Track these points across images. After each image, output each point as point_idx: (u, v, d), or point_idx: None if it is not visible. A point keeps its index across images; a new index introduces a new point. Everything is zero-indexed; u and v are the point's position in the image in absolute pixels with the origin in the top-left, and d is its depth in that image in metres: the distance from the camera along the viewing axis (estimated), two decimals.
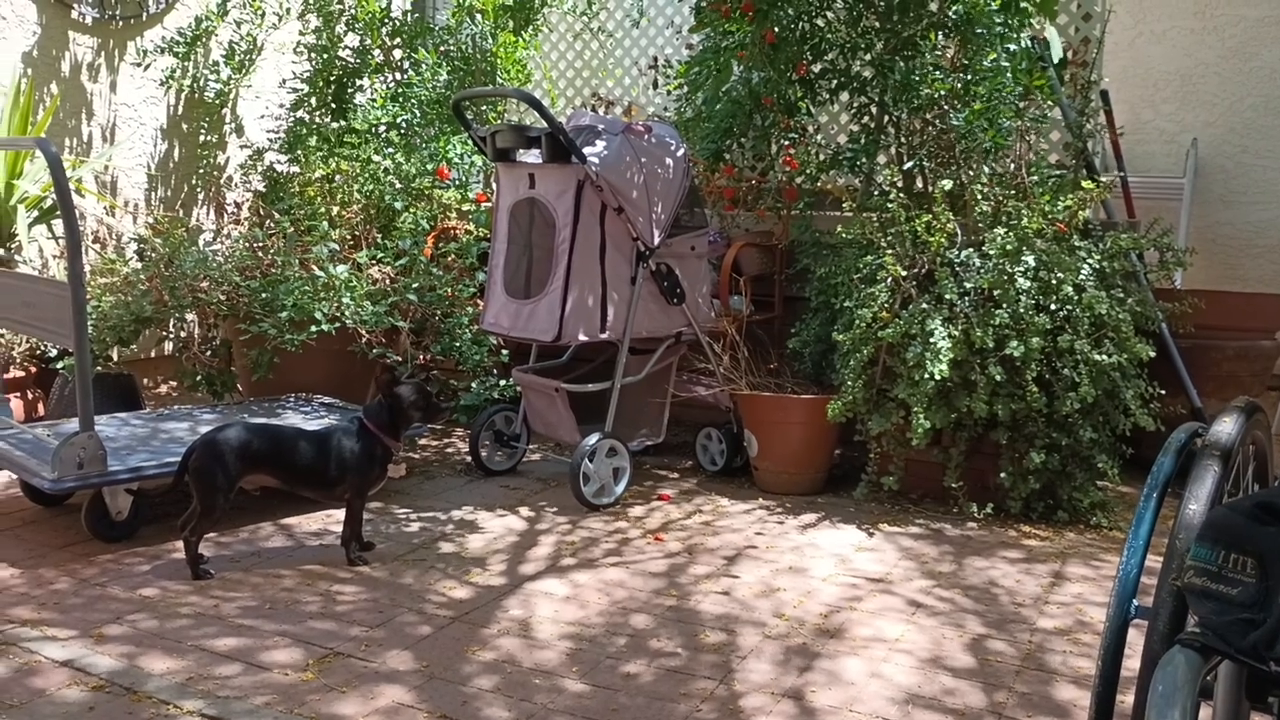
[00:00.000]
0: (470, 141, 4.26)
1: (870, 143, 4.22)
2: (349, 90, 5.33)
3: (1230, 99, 5.35)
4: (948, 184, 3.64)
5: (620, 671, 2.37)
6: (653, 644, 2.52)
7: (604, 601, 2.78)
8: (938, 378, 3.25)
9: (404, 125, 5.03)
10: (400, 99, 5.02)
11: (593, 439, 3.55)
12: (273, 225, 4.56)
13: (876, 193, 4.07)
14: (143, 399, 4.56)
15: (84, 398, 3.03)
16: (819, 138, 4.73)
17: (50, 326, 3.26)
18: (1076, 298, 3.34)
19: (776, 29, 4.18)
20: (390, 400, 3.06)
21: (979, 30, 3.98)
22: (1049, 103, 4.02)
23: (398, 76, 5.32)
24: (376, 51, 5.31)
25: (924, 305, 3.41)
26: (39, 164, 4.52)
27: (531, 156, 3.66)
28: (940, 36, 4.14)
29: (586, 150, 3.49)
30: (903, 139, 4.16)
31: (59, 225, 4.55)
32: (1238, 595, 1.09)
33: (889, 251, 3.54)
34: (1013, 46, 4.00)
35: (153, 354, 5.09)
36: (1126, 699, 1.51)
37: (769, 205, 4.31)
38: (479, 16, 5.25)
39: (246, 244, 4.44)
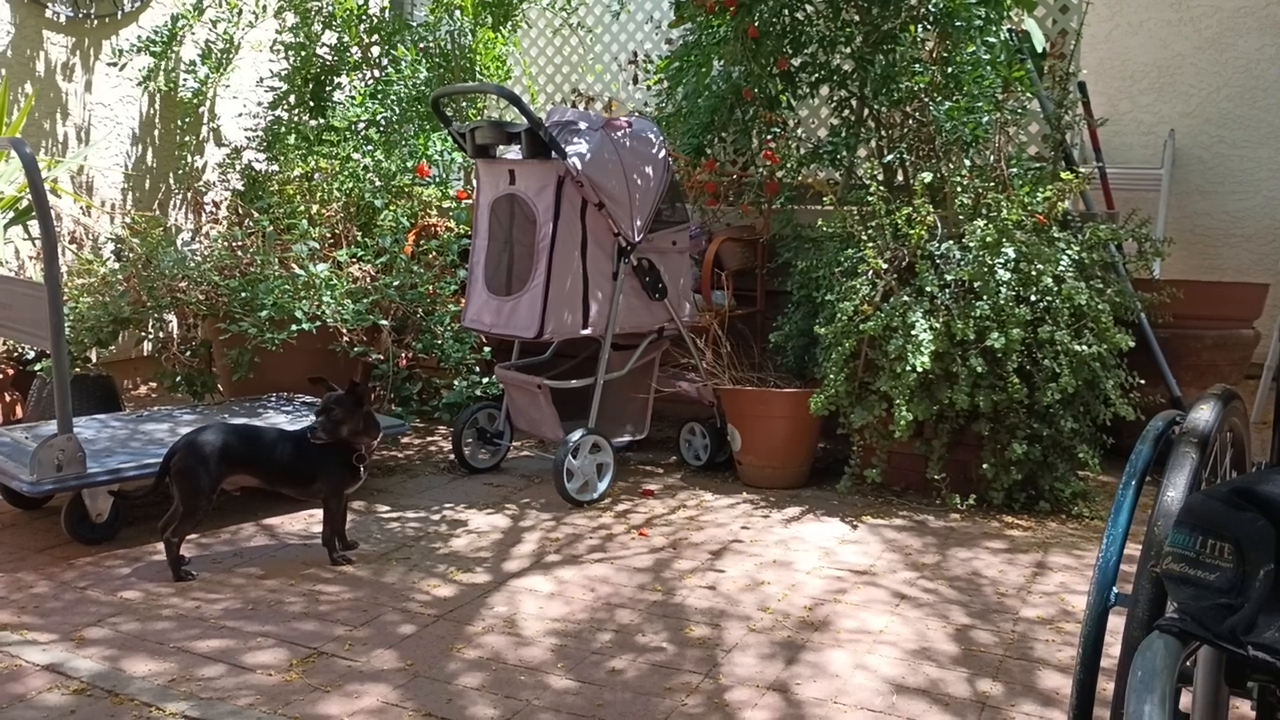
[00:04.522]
0: (450, 138, 4.25)
1: (851, 136, 4.22)
2: (327, 88, 5.30)
3: (1207, 89, 5.38)
4: (928, 177, 3.65)
5: (606, 667, 2.37)
6: (638, 639, 2.52)
7: (589, 597, 2.78)
8: (919, 370, 3.26)
9: (383, 123, 5.00)
10: (379, 96, 5.00)
11: (576, 435, 3.54)
12: (252, 224, 4.53)
13: (857, 186, 4.08)
14: (122, 400, 4.53)
15: (62, 399, 3.00)
16: (799, 132, 4.73)
17: (27, 328, 3.23)
18: (1056, 289, 3.36)
19: (758, 23, 4.17)
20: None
21: (958, 23, 3.99)
22: (1028, 95, 4.03)
23: (376, 74, 5.29)
24: (354, 49, 5.28)
25: (905, 298, 3.42)
26: (14, 164, 4.48)
27: (512, 153, 3.65)
28: (920, 29, 4.15)
29: (567, 146, 3.49)
30: (883, 132, 4.17)
31: (35, 226, 4.51)
32: (1215, 580, 1.09)
33: (870, 245, 3.55)
34: (992, 39, 4.02)
35: (131, 355, 5.05)
36: (1109, 687, 1.52)
37: (751, 200, 4.32)
38: (458, 12, 5.23)
39: (225, 243, 4.42)
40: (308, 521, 3.35)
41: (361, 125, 4.95)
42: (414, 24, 5.41)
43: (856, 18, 4.19)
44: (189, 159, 5.44)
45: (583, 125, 3.62)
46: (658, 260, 3.76)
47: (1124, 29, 5.53)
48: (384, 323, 4.09)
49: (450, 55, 5.23)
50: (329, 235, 4.46)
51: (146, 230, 4.61)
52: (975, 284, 3.37)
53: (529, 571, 2.97)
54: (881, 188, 3.64)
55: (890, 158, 4.02)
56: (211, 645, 2.46)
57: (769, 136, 4.42)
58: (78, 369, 4.27)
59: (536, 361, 4.04)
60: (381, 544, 3.19)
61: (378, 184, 4.66)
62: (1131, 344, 3.41)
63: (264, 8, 5.28)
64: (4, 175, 4.52)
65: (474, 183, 3.84)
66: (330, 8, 5.20)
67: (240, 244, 4.36)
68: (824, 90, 4.46)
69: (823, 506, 3.58)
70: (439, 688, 2.27)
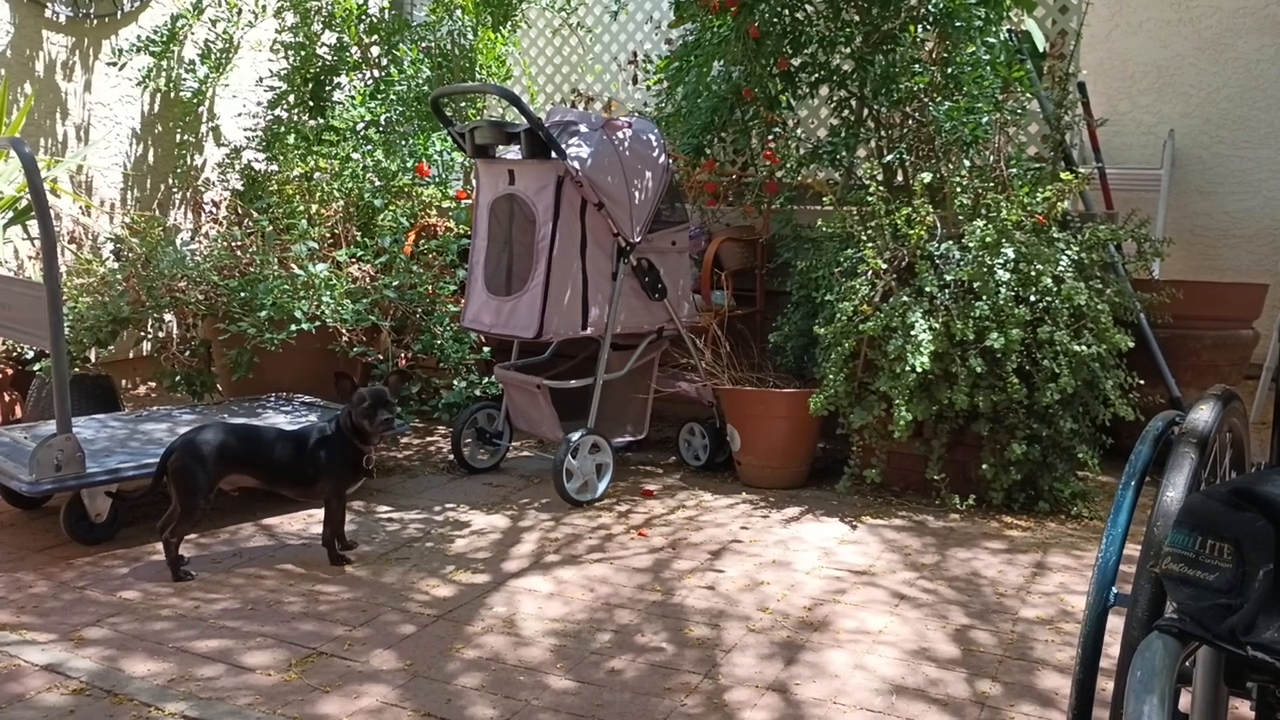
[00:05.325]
0: (450, 138, 4.25)
1: (850, 136, 4.22)
2: (327, 88, 5.30)
3: (1206, 90, 5.39)
4: (927, 177, 3.65)
5: (605, 667, 2.37)
6: (637, 639, 2.52)
7: (588, 597, 2.78)
8: (919, 370, 3.26)
9: (383, 123, 5.00)
10: (379, 96, 5.00)
11: (575, 435, 3.54)
12: (251, 224, 4.53)
13: (857, 186, 4.08)
14: (121, 400, 4.52)
15: (61, 399, 3.00)
16: (799, 132, 4.73)
17: (26, 328, 3.23)
18: (1055, 289, 3.36)
19: (758, 23, 4.17)
20: (348, 407, 3.02)
21: (958, 23, 3.99)
22: (1028, 95, 4.03)
23: (376, 74, 5.29)
24: (354, 49, 5.28)
25: (904, 298, 3.42)
26: (13, 164, 4.48)
27: (511, 153, 3.65)
28: (919, 30, 4.15)
29: (566, 147, 3.49)
30: (883, 132, 4.17)
31: (34, 226, 4.51)
32: (1215, 581, 1.09)
33: (869, 245, 3.55)
34: (992, 39, 4.02)
35: (130, 355, 5.05)
36: (1108, 687, 1.52)
37: (750, 200, 4.32)
38: (458, 12, 5.23)
39: (224, 243, 4.41)
40: (307, 521, 3.35)
41: (361, 125, 4.95)
42: (414, 24, 5.41)
43: (856, 18, 4.19)
44: (188, 159, 5.44)
45: (582, 126, 3.62)
46: (657, 260, 3.76)
47: (1123, 29, 5.53)
48: (383, 323, 4.09)
49: (450, 55, 5.23)
50: (328, 235, 4.46)
51: (146, 230, 4.60)
52: (975, 284, 3.37)
53: (528, 572, 2.97)
54: (881, 188, 3.64)
55: (890, 158, 4.02)
56: (210, 645, 2.46)
57: (769, 136, 4.42)
58: (77, 369, 4.27)
59: (536, 361, 4.04)
60: (381, 544, 3.18)
61: (377, 184, 4.65)
62: (1131, 344, 3.41)
63: (264, 7, 5.27)
64: (3, 175, 4.51)
65: (473, 183, 3.84)
66: (330, 7, 5.20)
67: (239, 244, 4.36)
68: (824, 90, 4.46)
69: (822, 507, 3.58)
70: (438, 688, 2.27)
